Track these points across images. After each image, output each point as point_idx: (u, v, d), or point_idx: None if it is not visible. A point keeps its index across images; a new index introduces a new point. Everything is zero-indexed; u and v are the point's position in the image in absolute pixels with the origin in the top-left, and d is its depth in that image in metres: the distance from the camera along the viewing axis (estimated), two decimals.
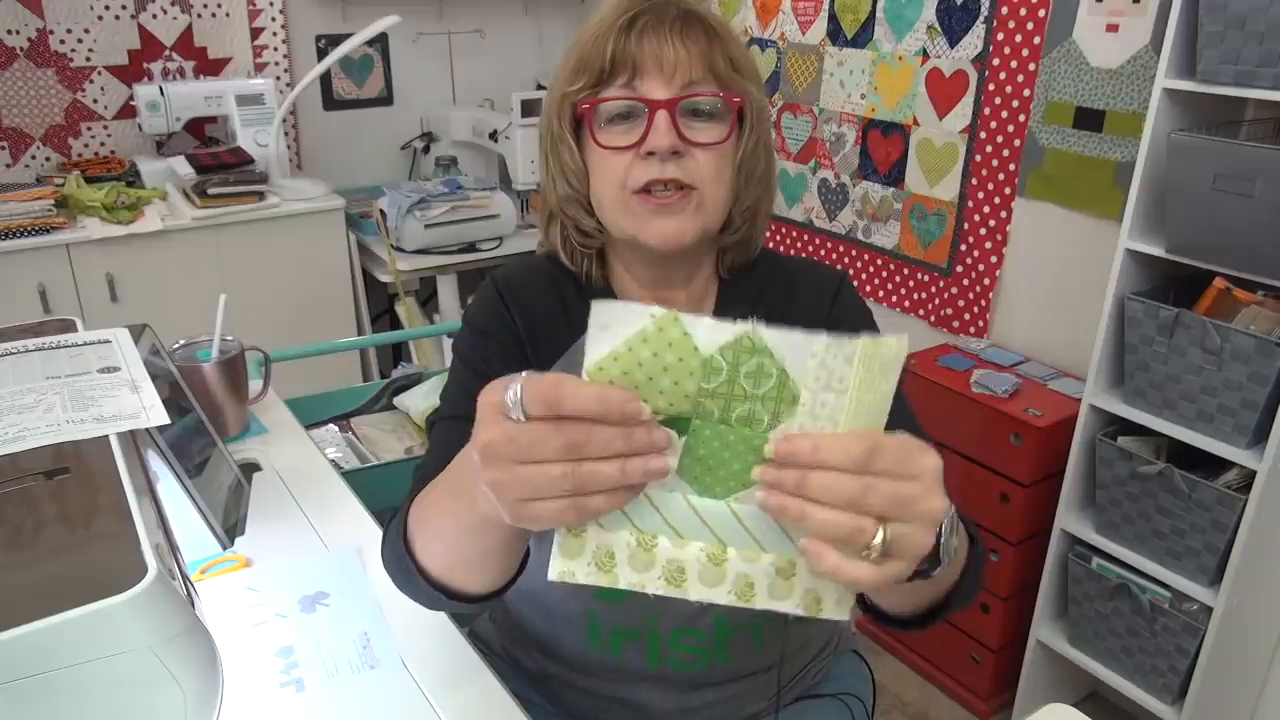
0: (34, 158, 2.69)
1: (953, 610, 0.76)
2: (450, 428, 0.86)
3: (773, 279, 0.95)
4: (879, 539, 0.50)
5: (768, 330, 0.50)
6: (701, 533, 0.54)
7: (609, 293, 0.92)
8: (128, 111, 2.75)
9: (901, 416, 0.82)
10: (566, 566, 0.55)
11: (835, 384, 0.50)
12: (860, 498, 0.50)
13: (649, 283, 0.91)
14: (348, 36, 2.66)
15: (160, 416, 0.73)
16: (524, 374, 0.52)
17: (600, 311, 0.50)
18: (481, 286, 0.93)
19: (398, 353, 3.16)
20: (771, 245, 2.81)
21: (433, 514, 0.72)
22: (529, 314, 0.90)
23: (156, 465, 0.90)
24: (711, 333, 0.50)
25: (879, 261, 2.49)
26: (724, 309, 0.93)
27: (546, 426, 0.51)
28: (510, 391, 0.51)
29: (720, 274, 0.93)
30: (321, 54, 2.94)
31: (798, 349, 0.50)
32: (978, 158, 2.17)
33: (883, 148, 2.40)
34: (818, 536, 0.51)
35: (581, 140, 0.86)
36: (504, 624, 1.06)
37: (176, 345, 1.31)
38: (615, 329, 0.50)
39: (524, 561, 0.73)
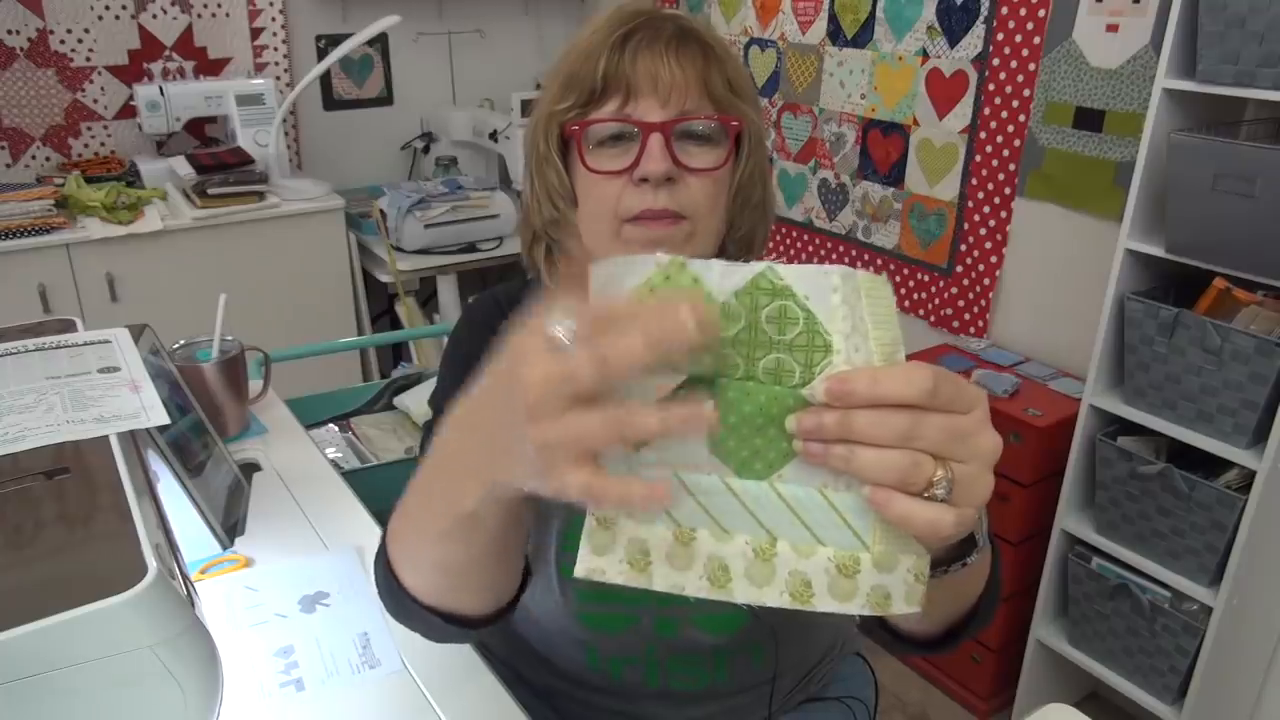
0: (34, 158, 2.69)
1: (976, 626, 0.70)
2: None
3: None
4: (940, 475, 0.44)
5: (785, 267, 0.44)
6: (746, 523, 0.47)
7: None
8: (128, 111, 2.75)
9: None
10: (595, 563, 0.47)
11: (859, 324, 0.44)
12: (912, 432, 0.43)
13: None
14: (348, 36, 2.66)
15: (160, 416, 0.72)
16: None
17: (600, 271, 0.44)
18: (477, 298, 0.90)
19: (398, 353, 3.16)
20: (772, 245, 2.81)
21: (411, 525, 0.63)
22: None
23: (156, 465, 0.90)
24: (725, 277, 0.44)
25: (879, 262, 2.49)
26: None
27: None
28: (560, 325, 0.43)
29: None
30: (321, 54, 2.94)
31: (817, 284, 0.44)
32: (978, 158, 2.17)
33: (883, 148, 2.40)
34: (870, 482, 0.44)
35: (569, 161, 0.81)
36: (505, 636, 1.05)
37: (176, 345, 1.31)
38: (617, 287, 0.44)
39: (523, 582, 0.69)
